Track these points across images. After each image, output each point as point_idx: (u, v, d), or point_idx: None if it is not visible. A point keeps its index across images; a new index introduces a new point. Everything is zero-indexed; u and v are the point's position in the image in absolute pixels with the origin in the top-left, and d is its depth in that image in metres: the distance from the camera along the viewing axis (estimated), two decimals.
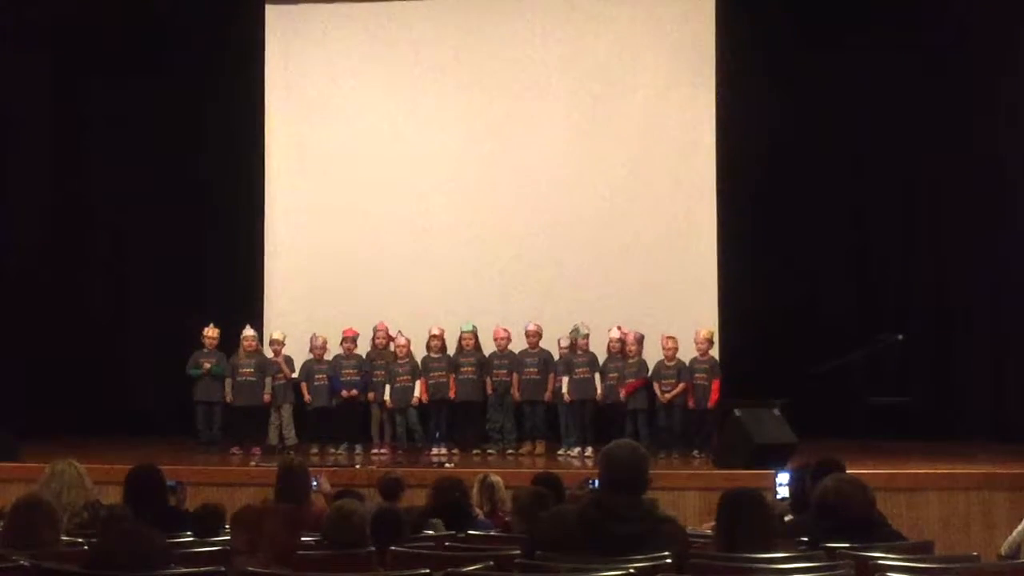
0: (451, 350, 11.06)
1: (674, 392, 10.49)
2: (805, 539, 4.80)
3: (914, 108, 11.68)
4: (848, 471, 5.65)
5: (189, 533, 5.38)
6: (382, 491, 6.67)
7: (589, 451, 10.48)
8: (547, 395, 10.87)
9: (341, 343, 11.09)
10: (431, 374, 10.92)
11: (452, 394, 10.90)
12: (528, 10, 12.14)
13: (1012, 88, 11.31)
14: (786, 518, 5.65)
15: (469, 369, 10.93)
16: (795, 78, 11.84)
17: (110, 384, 12.56)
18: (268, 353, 11.20)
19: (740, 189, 11.84)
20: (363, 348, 11.19)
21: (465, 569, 4.40)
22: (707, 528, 5.75)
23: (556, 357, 10.96)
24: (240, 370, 11.01)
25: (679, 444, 10.47)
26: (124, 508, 5.40)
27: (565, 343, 10.92)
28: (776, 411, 9.49)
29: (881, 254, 12.16)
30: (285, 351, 11.16)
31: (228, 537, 5.43)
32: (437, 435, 10.89)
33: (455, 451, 10.70)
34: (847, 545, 4.65)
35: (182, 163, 12.66)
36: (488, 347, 11.06)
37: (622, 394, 10.53)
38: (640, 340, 10.68)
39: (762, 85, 11.79)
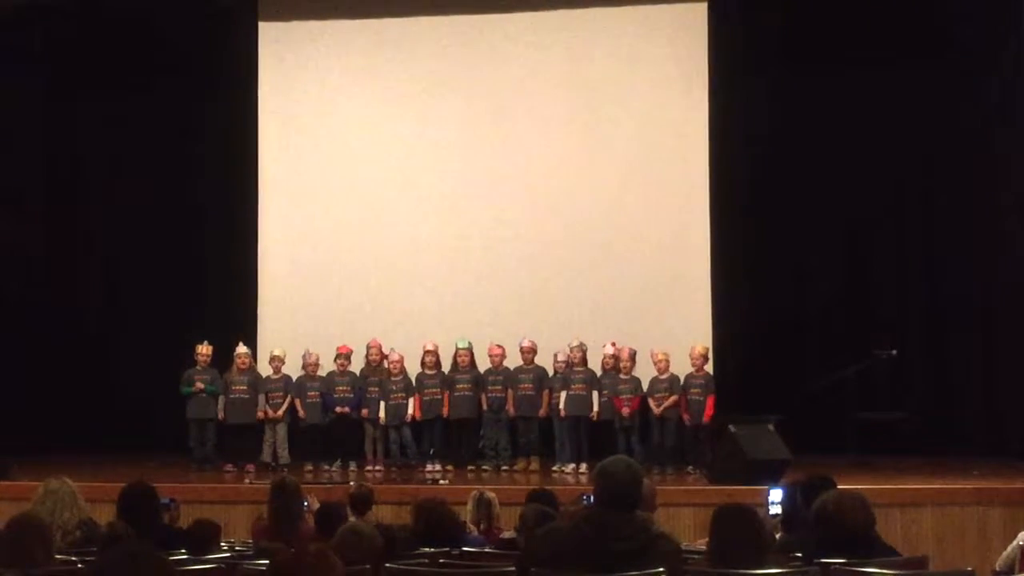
0: (445, 366, 11.06)
1: (668, 403, 10.48)
2: (799, 555, 4.80)
3: (907, 118, 11.72)
4: (840, 487, 5.65)
5: (183, 551, 5.36)
6: (353, 505, 6.66)
7: (584, 467, 10.47)
8: (542, 411, 10.86)
9: (335, 360, 11.07)
10: (425, 391, 10.91)
11: (445, 411, 10.89)
12: (521, 25, 12.16)
13: (1006, 95, 11.36)
14: (776, 535, 5.63)
15: (465, 386, 10.92)
16: (788, 90, 11.89)
17: (103, 402, 12.53)
18: (267, 370, 11.18)
19: (733, 203, 11.86)
20: (356, 365, 11.18)
21: None
22: (701, 544, 5.74)
23: (551, 373, 10.97)
24: (233, 387, 10.99)
25: (673, 460, 10.46)
26: (125, 526, 5.37)
27: (561, 358, 10.92)
28: (770, 427, 9.49)
29: (875, 268, 12.19)
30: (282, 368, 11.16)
31: (224, 555, 5.42)
32: (431, 452, 10.88)
33: (449, 468, 10.67)
34: (842, 561, 4.65)
35: (177, 180, 12.68)
36: (483, 363, 11.06)
37: (625, 412, 10.51)
38: (633, 356, 10.69)
39: (755, 97, 11.84)
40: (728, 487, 8.77)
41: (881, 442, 10.53)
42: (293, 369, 11.18)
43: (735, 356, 11.55)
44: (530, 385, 10.86)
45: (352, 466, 10.81)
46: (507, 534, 6.25)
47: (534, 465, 10.82)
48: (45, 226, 12.97)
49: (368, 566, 4.69)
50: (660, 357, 10.61)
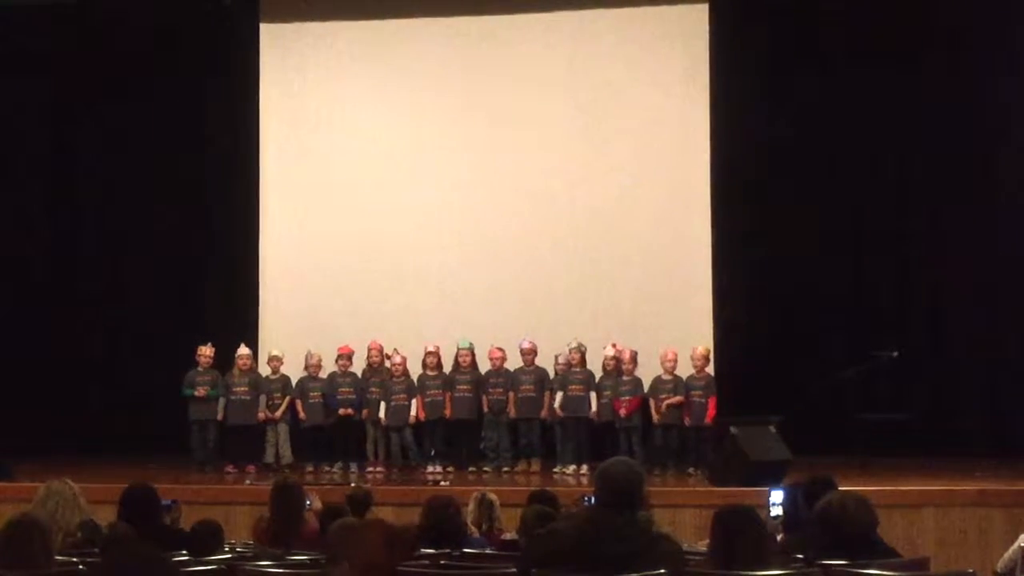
0: (447, 367, 11.06)
1: (672, 401, 10.46)
2: (800, 556, 4.80)
3: (909, 118, 11.71)
4: (842, 488, 5.65)
5: (185, 552, 5.36)
6: (350, 506, 6.66)
7: (585, 469, 10.46)
8: (543, 412, 10.86)
9: (336, 360, 11.07)
10: (427, 392, 10.91)
11: (448, 412, 10.89)
12: (522, 26, 12.16)
13: (1009, 98, 11.35)
14: (777, 537, 5.63)
15: (466, 387, 10.92)
16: (789, 90, 11.87)
17: (104, 403, 12.54)
18: (266, 370, 11.18)
19: (735, 204, 11.85)
20: (358, 366, 11.18)
21: None
22: (702, 546, 5.74)
23: (552, 374, 10.97)
24: (234, 389, 10.99)
25: (674, 461, 10.45)
26: (127, 527, 5.37)
27: (562, 360, 10.92)
28: (772, 428, 9.49)
29: (877, 269, 12.17)
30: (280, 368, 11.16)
31: (226, 556, 5.42)
32: (432, 453, 10.88)
33: (450, 469, 10.67)
34: (843, 562, 4.65)
35: (178, 181, 12.67)
36: (483, 365, 11.05)
37: (623, 413, 10.51)
38: (634, 357, 10.68)
39: (757, 99, 11.83)
40: (729, 488, 8.78)
41: (882, 443, 10.51)
42: (291, 369, 11.17)
43: (736, 357, 11.54)
44: (531, 387, 10.85)
45: (353, 467, 10.81)
46: (508, 535, 6.26)
47: (535, 466, 10.81)
48: (47, 227, 12.98)
49: None
50: (670, 357, 10.60)
